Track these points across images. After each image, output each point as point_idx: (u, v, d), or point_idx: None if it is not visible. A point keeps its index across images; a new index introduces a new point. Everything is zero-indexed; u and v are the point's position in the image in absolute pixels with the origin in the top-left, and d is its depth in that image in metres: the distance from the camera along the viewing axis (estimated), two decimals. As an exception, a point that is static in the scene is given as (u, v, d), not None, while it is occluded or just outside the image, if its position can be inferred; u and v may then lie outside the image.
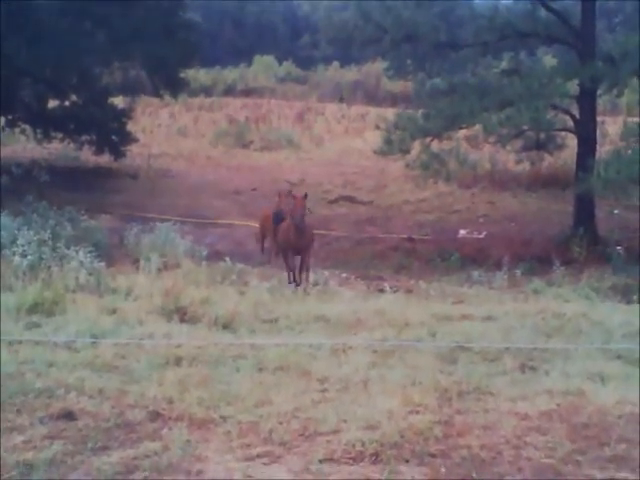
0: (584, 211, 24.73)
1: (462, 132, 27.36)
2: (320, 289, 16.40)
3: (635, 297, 16.17)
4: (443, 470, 6.36)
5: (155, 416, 7.44)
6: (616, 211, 25.14)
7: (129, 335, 10.61)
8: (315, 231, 23.49)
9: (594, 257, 21.36)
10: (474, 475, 6.25)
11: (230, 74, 58.64)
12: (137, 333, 10.81)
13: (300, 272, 17.66)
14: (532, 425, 7.34)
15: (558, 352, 10.50)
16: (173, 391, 8.10)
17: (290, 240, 17.56)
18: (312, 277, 17.84)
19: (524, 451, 6.76)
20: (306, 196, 17.52)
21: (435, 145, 25.67)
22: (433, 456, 6.60)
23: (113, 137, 33.80)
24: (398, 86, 47.44)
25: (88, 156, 34.74)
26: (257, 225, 25.85)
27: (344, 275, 18.71)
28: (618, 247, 20.49)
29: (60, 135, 33.82)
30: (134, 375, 8.77)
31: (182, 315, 11.94)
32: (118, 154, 33.74)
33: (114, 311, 12.21)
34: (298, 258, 17.81)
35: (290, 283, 17.39)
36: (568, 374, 9.36)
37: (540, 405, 7.93)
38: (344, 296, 15.78)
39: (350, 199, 30.70)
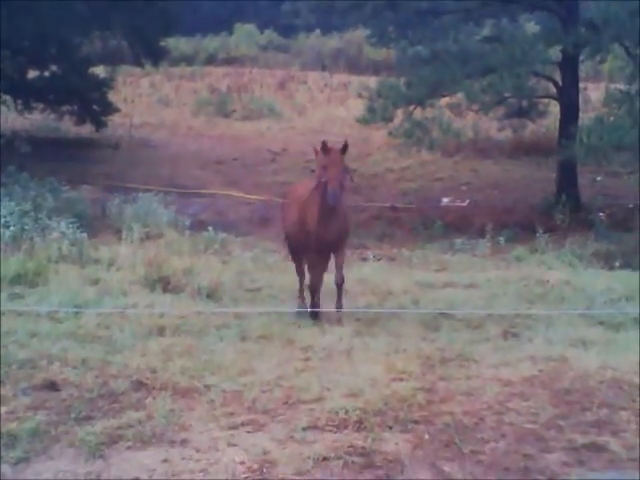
0: (567, 178, 24.73)
1: (445, 100, 27.31)
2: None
3: (617, 263, 16.23)
4: (426, 436, 6.40)
5: (139, 386, 7.46)
6: (599, 178, 25.16)
7: (112, 305, 10.60)
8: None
9: (577, 224, 21.37)
10: (457, 441, 6.29)
11: (211, 43, 58.26)
12: (120, 303, 10.81)
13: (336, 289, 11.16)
14: (515, 391, 7.39)
15: (541, 319, 10.55)
16: (157, 361, 8.12)
17: (318, 231, 10.86)
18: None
19: (507, 417, 6.81)
20: (345, 149, 10.66)
21: (418, 113, 25.58)
22: (416, 423, 6.64)
23: (94, 107, 33.55)
24: (380, 54, 47.16)
25: (69, 126, 34.51)
26: (243, 196, 25.83)
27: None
28: (600, 214, 20.51)
29: (41, 106, 33.54)
30: (117, 345, 8.79)
31: (165, 285, 11.94)
32: (99, 124, 33.50)
33: (97, 281, 12.21)
34: (324, 263, 11.56)
35: (306, 308, 11.46)
36: (551, 340, 9.43)
37: (523, 371, 7.98)
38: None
39: (333, 168, 30.56)
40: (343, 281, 11.08)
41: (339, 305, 10.98)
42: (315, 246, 11.01)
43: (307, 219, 10.96)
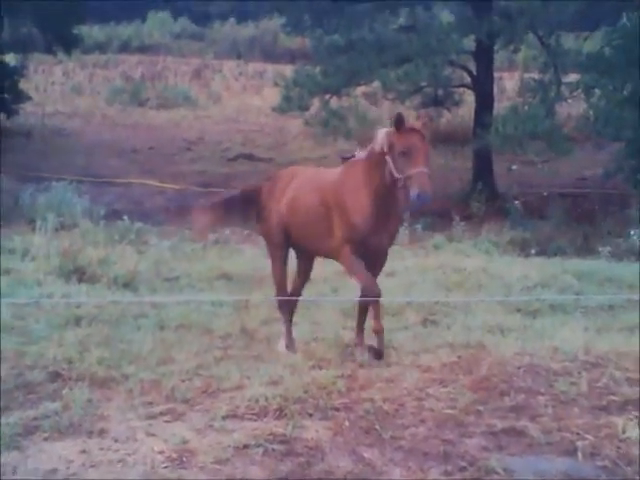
0: (482, 167, 25.01)
1: (361, 89, 27.41)
2: (221, 246, 16.31)
3: (532, 251, 16.45)
4: (346, 423, 6.40)
5: (55, 376, 7.37)
6: (514, 167, 25.39)
7: (27, 296, 10.43)
8: (214, 189, 23.35)
9: (493, 212, 21.61)
10: (377, 427, 6.30)
11: (125, 30, 57.67)
12: (35, 294, 10.64)
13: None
14: (434, 377, 7.43)
15: (459, 306, 10.63)
16: (73, 351, 8.02)
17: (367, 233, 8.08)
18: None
19: (426, 402, 6.84)
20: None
21: (334, 102, 25.64)
22: (336, 410, 6.64)
23: (5, 95, 33.05)
24: (296, 42, 47.06)
25: (-20, 115, 33.98)
26: (159, 185, 25.62)
27: (246, 232, 18.58)
28: (516, 202, 20.72)
29: (-50, 94, 32.99)
30: (33, 336, 8.65)
31: (81, 275, 11.80)
32: (10, 113, 32.99)
33: (10, 272, 12.01)
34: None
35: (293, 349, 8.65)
36: (469, 327, 9.50)
37: (442, 358, 8.03)
38: (246, 253, 15.73)
39: (249, 157, 30.51)
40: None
41: (380, 351, 8.03)
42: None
43: (349, 213, 8.04)
